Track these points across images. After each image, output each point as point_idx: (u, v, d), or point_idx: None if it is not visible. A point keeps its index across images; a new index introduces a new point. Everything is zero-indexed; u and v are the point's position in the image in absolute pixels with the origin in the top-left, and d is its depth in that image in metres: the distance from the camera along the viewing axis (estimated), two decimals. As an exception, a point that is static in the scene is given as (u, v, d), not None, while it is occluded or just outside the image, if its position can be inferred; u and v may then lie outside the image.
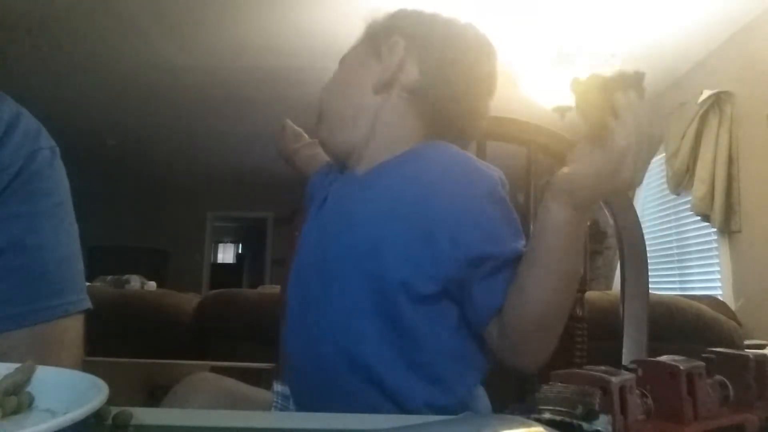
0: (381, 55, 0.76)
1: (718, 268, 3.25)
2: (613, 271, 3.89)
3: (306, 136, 1.07)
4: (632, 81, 0.56)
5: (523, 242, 0.67)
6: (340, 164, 0.81)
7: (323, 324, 0.69)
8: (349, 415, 0.57)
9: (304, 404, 0.75)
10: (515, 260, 0.65)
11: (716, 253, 3.27)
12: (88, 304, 0.71)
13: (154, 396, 1.46)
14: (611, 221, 0.99)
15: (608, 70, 0.55)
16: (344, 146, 0.77)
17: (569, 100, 3.29)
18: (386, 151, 0.74)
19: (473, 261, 0.64)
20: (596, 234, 3.57)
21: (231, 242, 12.07)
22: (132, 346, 1.84)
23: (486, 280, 0.65)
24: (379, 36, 0.77)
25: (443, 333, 0.67)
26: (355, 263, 0.67)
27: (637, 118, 0.55)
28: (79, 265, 0.72)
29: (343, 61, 0.81)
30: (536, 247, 0.63)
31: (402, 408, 0.65)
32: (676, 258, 3.72)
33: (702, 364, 0.49)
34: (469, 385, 0.70)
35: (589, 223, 0.99)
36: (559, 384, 0.43)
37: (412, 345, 0.66)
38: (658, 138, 0.66)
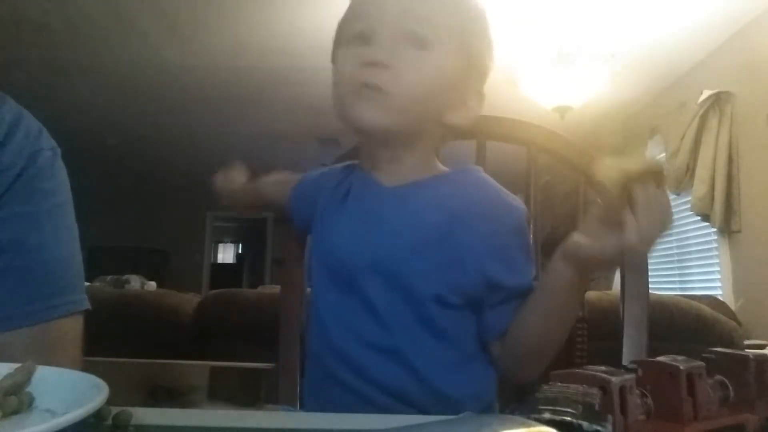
0: (467, 99, 0.74)
1: (718, 268, 3.25)
2: (613, 271, 3.89)
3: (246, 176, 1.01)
4: (654, 174, 0.55)
5: (534, 273, 0.73)
6: (368, 155, 0.75)
7: (363, 328, 0.69)
8: (349, 415, 0.57)
9: (323, 402, 0.74)
10: (527, 292, 0.70)
11: (716, 253, 3.27)
12: (87, 305, 0.71)
13: (154, 396, 1.46)
14: (611, 221, 0.99)
15: (632, 159, 0.54)
16: (400, 137, 0.72)
17: (569, 100, 3.31)
18: (415, 169, 0.74)
19: (493, 288, 0.69)
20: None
21: (231, 242, 12.07)
22: (132, 346, 1.84)
23: (499, 306, 0.70)
24: (477, 74, 0.75)
25: (470, 332, 0.72)
26: (393, 274, 0.69)
27: (654, 213, 0.56)
28: (79, 266, 0.73)
29: (446, 66, 0.71)
30: (541, 295, 0.68)
31: (448, 405, 0.66)
32: (676, 258, 3.72)
33: (702, 364, 0.49)
34: (493, 378, 0.74)
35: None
36: (559, 384, 0.43)
37: (447, 344, 0.70)
38: (671, 217, 0.68)
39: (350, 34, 0.70)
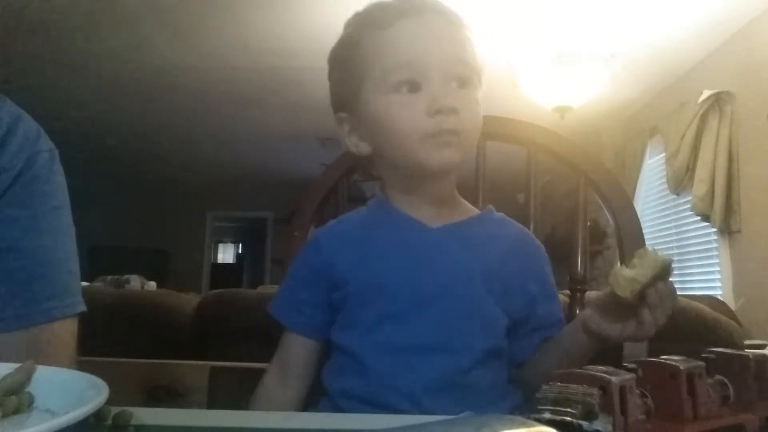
0: None
1: (718, 268, 3.25)
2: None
3: None
4: (663, 273, 0.61)
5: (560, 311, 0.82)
6: (417, 194, 0.78)
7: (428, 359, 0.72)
8: (349, 415, 0.57)
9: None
10: (554, 324, 0.78)
11: (716, 253, 3.27)
12: (83, 307, 0.71)
13: (154, 396, 1.46)
14: (611, 221, 0.99)
15: (643, 267, 0.60)
16: (454, 170, 0.78)
17: (569, 100, 3.31)
18: (451, 207, 0.80)
19: (529, 312, 0.77)
20: (596, 234, 3.57)
21: (231, 242, 12.07)
22: (132, 346, 1.84)
23: (526, 337, 0.78)
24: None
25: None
26: (477, 318, 0.74)
27: (665, 305, 0.64)
28: (76, 269, 0.73)
29: (478, 97, 0.76)
30: (560, 341, 0.76)
31: None
32: (676, 258, 3.72)
33: (702, 364, 0.49)
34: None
35: (589, 224, 1.00)
36: (559, 384, 0.43)
37: (504, 366, 0.77)
38: (677, 300, 0.74)
39: (395, 81, 0.72)
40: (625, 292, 0.60)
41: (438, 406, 0.67)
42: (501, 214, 0.83)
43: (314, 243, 0.81)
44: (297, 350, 0.79)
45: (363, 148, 0.78)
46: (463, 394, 0.70)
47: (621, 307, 0.63)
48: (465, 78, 0.73)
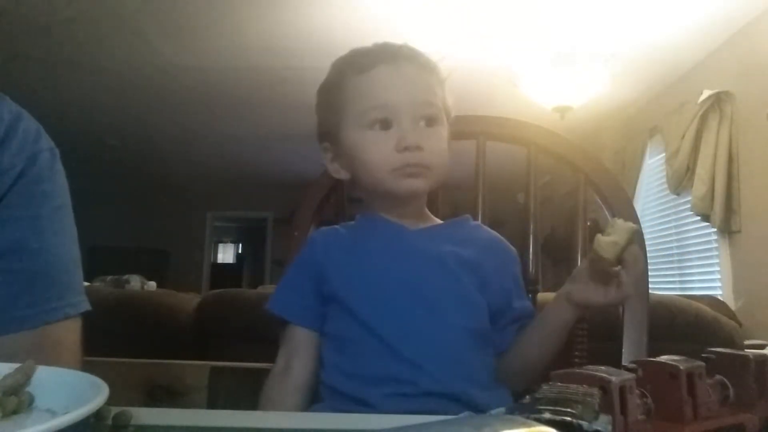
0: None
1: (718, 268, 3.25)
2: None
3: None
4: (634, 235, 0.71)
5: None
6: (396, 210, 0.86)
7: (427, 351, 0.77)
8: (349, 415, 0.57)
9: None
10: (527, 316, 0.85)
11: (716, 253, 3.27)
12: (87, 306, 0.71)
13: (154, 396, 1.46)
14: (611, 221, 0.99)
15: (618, 232, 0.70)
16: (421, 196, 0.88)
17: (569, 100, 3.31)
18: (422, 217, 0.89)
19: (505, 307, 0.84)
20: (596, 234, 3.57)
21: (231, 242, 12.07)
22: (132, 346, 1.84)
23: (503, 329, 0.84)
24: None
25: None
26: (456, 298, 0.80)
27: (638, 266, 0.75)
28: (79, 268, 0.73)
29: (445, 131, 0.86)
30: (539, 326, 0.83)
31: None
32: (676, 258, 3.72)
33: (702, 364, 0.49)
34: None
35: (589, 223, 1.00)
36: (559, 384, 0.43)
37: (490, 360, 0.82)
38: (644, 263, 0.82)
39: (370, 119, 0.82)
40: (609, 254, 0.69)
41: (436, 370, 0.74)
42: (477, 222, 0.94)
43: (309, 241, 0.91)
44: (300, 340, 0.84)
45: (343, 174, 0.88)
46: (456, 365, 0.76)
47: (600, 274, 0.73)
48: (432, 117, 0.83)
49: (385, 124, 0.81)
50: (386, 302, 0.79)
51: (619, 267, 0.72)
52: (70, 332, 0.69)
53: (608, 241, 0.69)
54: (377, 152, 0.81)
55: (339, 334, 0.81)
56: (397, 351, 0.75)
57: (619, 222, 0.71)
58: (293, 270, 0.89)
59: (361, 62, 0.84)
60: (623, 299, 0.77)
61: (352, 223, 0.92)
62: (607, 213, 0.99)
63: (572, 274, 0.80)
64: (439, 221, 0.91)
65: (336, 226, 0.93)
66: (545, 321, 0.82)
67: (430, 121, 0.83)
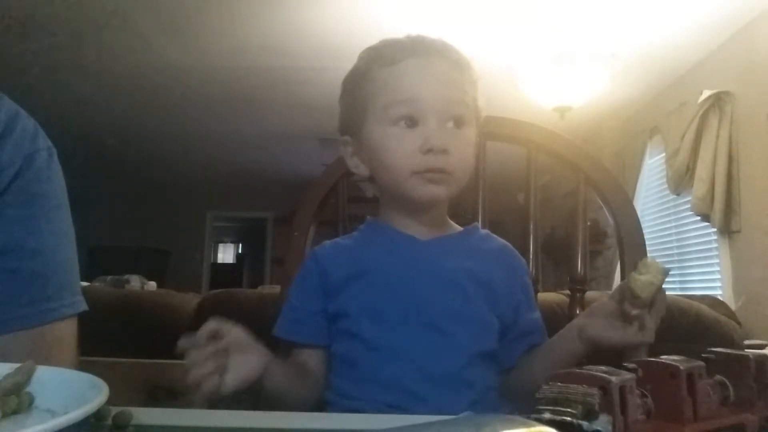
0: None
1: (718, 268, 3.25)
2: (613, 271, 3.89)
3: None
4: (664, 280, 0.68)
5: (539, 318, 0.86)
6: (409, 217, 0.83)
7: (438, 358, 0.75)
8: (349, 415, 0.57)
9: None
10: (535, 330, 0.82)
11: (716, 253, 3.27)
12: (84, 306, 0.71)
13: (154, 396, 1.46)
14: (611, 221, 0.99)
15: (653, 272, 0.67)
16: (441, 204, 0.84)
17: (569, 100, 3.31)
18: (439, 225, 0.85)
19: (514, 319, 0.81)
20: (596, 234, 3.57)
21: (231, 242, 12.07)
22: (132, 346, 1.84)
23: (511, 343, 0.81)
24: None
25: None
26: (466, 319, 0.77)
27: (662, 311, 0.70)
28: (75, 268, 0.72)
29: (474, 135, 0.81)
30: (548, 351, 0.78)
31: None
32: (676, 258, 3.72)
33: (702, 364, 0.49)
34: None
35: (589, 223, 1.00)
36: (559, 384, 0.43)
37: (496, 379, 0.79)
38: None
39: (395, 115, 0.77)
40: (645, 293, 0.66)
41: (437, 398, 0.71)
42: (486, 231, 0.90)
43: (311, 256, 0.86)
44: (305, 360, 0.81)
45: (362, 170, 0.83)
46: (461, 390, 0.73)
47: (623, 314, 0.68)
48: (461, 118, 0.78)
49: (411, 122, 0.76)
50: (392, 326, 0.75)
51: (645, 309, 0.68)
52: (66, 332, 0.69)
53: (645, 281, 0.66)
54: (400, 151, 0.76)
55: (344, 355, 0.78)
56: (399, 380, 0.73)
57: (653, 262, 0.68)
58: (296, 292, 0.84)
59: (390, 54, 0.79)
60: (642, 344, 0.71)
61: (356, 233, 0.88)
62: (607, 213, 0.99)
63: (590, 309, 0.75)
64: (455, 229, 0.87)
65: (338, 239, 0.89)
66: (552, 351, 0.78)
67: (459, 122, 0.78)
